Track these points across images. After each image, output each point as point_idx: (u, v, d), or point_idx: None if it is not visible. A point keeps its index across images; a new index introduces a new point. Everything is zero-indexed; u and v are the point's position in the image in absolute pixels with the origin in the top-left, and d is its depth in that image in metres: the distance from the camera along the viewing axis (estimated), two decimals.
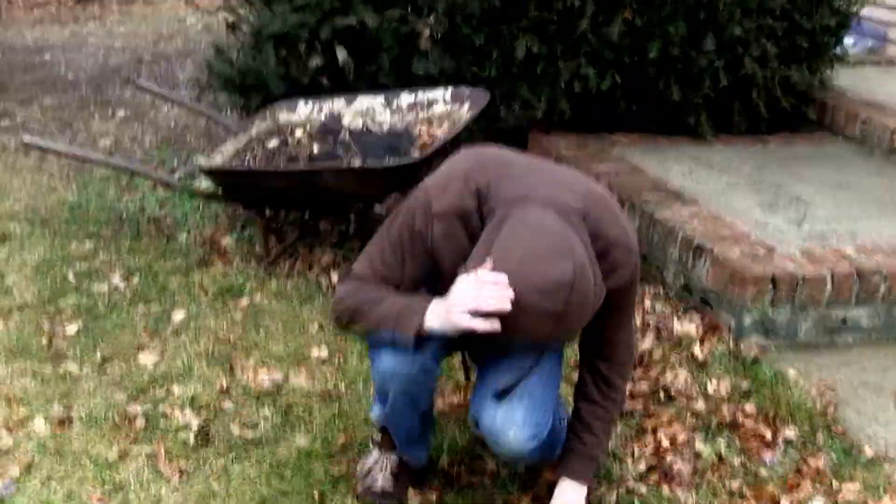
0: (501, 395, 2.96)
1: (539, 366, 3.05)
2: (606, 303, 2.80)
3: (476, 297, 2.58)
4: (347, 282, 2.95)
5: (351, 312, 2.89)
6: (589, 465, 3.18)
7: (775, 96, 6.24)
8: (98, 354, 4.15)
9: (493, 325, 2.58)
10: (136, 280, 4.82)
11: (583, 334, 3.07)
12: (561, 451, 3.19)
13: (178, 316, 4.49)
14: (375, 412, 3.28)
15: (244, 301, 4.65)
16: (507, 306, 2.54)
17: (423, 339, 2.78)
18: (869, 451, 3.59)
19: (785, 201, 5.21)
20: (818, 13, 6.15)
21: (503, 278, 2.55)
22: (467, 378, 3.74)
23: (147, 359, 4.14)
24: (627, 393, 3.77)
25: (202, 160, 4.94)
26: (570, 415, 3.22)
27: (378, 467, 3.31)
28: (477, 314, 2.59)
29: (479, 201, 2.80)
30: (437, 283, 2.84)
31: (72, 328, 4.38)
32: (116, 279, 4.81)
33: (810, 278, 4.32)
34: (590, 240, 2.73)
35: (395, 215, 2.90)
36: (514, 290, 2.52)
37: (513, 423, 2.95)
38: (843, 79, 6.99)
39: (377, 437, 3.34)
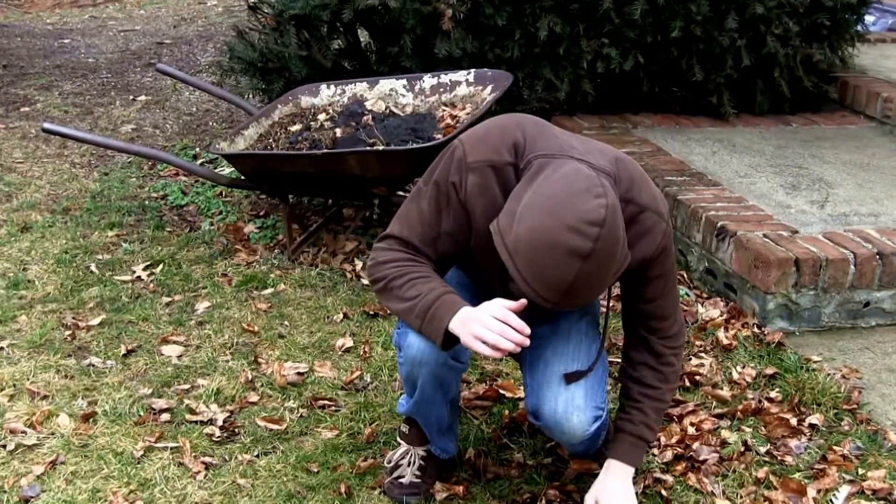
0: (569, 380, 2.97)
1: (590, 341, 3.09)
2: (643, 272, 2.87)
3: (500, 330, 2.64)
4: (384, 243, 2.91)
5: (381, 289, 2.87)
6: (639, 446, 3.12)
7: (797, 76, 6.22)
8: (122, 347, 4.15)
9: (496, 354, 2.66)
10: (159, 270, 4.83)
11: (627, 307, 3.07)
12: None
13: (202, 307, 4.50)
14: (403, 404, 3.28)
15: (268, 291, 4.66)
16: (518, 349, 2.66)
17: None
18: (894, 438, 3.59)
19: (807, 182, 5.20)
20: None
21: (525, 328, 2.64)
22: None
23: (171, 351, 4.14)
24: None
25: (225, 145, 4.94)
26: (620, 395, 3.19)
27: (406, 462, 3.30)
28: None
29: (515, 156, 2.80)
30: (470, 239, 2.86)
31: (95, 321, 4.37)
32: (139, 270, 4.82)
33: (833, 261, 4.31)
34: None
35: (430, 170, 2.89)
36: (545, 229, 2.52)
37: (575, 408, 2.97)
38: (865, 57, 6.97)
39: (405, 429, 3.34)
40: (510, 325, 2.65)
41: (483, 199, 2.80)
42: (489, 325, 2.65)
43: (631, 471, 3.12)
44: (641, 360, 3.10)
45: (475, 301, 2.77)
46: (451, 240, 2.87)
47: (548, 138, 2.83)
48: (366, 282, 4.71)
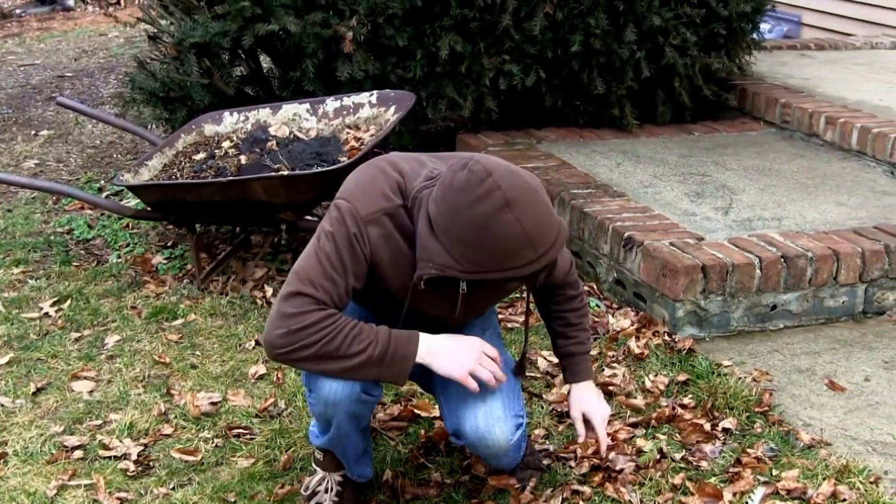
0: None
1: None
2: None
3: (493, 368, 2.89)
4: (292, 305, 2.75)
5: (312, 355, 2.74)
6: (589, 360, 3.41)
7: (697, 85, 6.31)
8: (31, 385, 4.08)
9: (475, 388, 2.88)
10: (67, 306, 4.77)
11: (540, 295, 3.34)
12: (559, 360, 3.45)
13: (112, 340, 4.45)
14: (316, 435, 3.25)
15: (178, 321, 4.62)
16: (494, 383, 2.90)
17: None
18: (805, 437, 3.64)
19: (711, 189, 5.27)
20: (734, 0, 6.21)
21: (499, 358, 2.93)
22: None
23: (82, 387, 4.09)
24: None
25: (129, 177, 4.89)
26: (555, 330, 3.40)
27: (323, 488, 3.30)
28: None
29: (402, 197, 2.82)
30: (375, 290, 2.87)
31: (3, 359, 4.31)
32: (47, 306, 4.75)
33: (739, 266, 4.38)
34: None
35: (318, 235, 2.85)
36: (469, 228, 2.60)
37: (496, 420, 3.00)
38: (762, 64, 7.10)
39: (319, 455, 3.33)
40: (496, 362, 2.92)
41: (388, 247, 2.82)
42: (483, 363, 2.89)
43: (592, 381, 3.41)
44: (564, 307, 3.36)
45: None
46: (352, 292, 2.84)
47: (418, 168, 2.88)
48: None
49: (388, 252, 2.82)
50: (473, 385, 2.86)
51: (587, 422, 3.34)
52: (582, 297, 3.39)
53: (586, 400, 3.36)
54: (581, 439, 3.37)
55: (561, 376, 3.87)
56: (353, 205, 2.80)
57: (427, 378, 3.10)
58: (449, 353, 2.85)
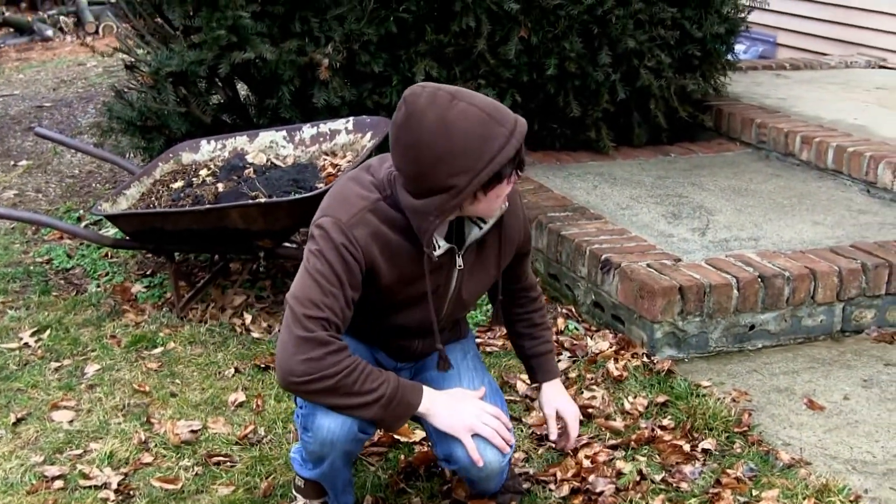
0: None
1: (480, 376, 3.25)
2: (523, 247, 3.24)
3: (497, 427, 2.95)
4: (303, 330, 2.76)
5: (326, 388, 2.75)
6: (554, 359, 3.51)
7: (672, 106, 6.35)
8: (11, 416, 4.07)
9: (472, 448, 2.93)
10: (46, 336, 4.76)
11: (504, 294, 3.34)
12: (525, 362, 3.53)
13: (92, 370, 4.44)
14: (305, 469, 3.26)
15: (158, 350, 4.61)
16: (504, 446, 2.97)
17: None
18: (785, 457, 3.66)
19: (688, 211, 5.29)
20: (708, 21, 6.26)
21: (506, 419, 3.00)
22: None
23: (62, 416, 4.07)
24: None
25: (107, 206, 4.89)
26: (520, 334, 3.50)
27: None
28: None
29: (380, 189, 2.87)
30: (370, 294, 2.91)
31: None
32: (26, 336, 4.73)
33: (717, 287, 4.39)
34: None
35: (306, 257, 2.86)
36: (424, 150, 2.66)
37: (486, 444, 2.99)
38: (737, 85, 7.15)
39: (300, 482, 3.33)
40: (502, 422, 2.98)
41: (378, 243, 2.84)
42: (486, 421, 2.95)
43: (559, 380, 3.50)
44: (527, 308, 3.46)
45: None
46: (353, 302, 2.86)
47: (382, 161, 2.95)
48: (256, 335, 4.69)
49: (379, 248, 2.84)
50: (472, 445, 2.91)
51: (559, 419, 3.40)
52: (541, 299, 3.49)
53: (559, 398, 3.43)
54: (553, 436, 3.41)
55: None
56: (334, 216, 2.82)
57: None
58: (450, 411, 2.92)
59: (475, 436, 2.95)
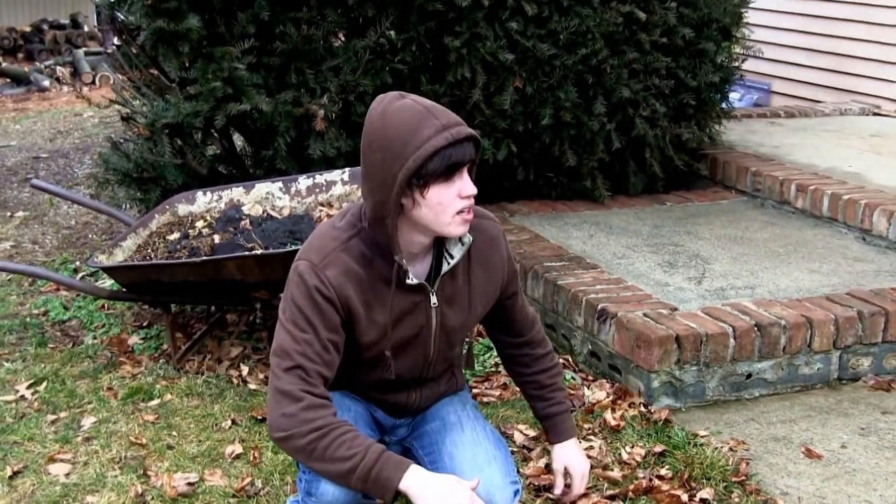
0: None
1: (482, 424, 3.20)
2: (509, 285, 3.17)
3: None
4: (283, 382, 2.76)
5: (301, 449, 2.73)
6: (569, 418, 3.41)
7: (668, 155, 6.37)
8: (7, 469, 4.05)
9: None
10: (43, 388, 4.74)
11: (501, 341, 3.38)
12: (539, 421, 3.46)
13: (88, 422, 4.42)
14: None
15: (155, 402, 4.59)
16: None
17: None
18: None
19: (684, 259, 5.30)
20: (702, 70, 6.30)
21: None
22: None
23: (59, 469, 4.05)
24: (544, 467, 3.83)
25: (103, 258, 4.90)
26: (530, 390, 3.42)
27: None
28: None
29: (354, 226, 2.88)
30: (358, 340, 2.90)
31: None
32: (22, 389, 4.72)
33: (713, 335, 4.40)
34: None
35: (282, 307, 2.86)
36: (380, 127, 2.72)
37: (497, 489, 2.99)
38: (732, 133, 7.18)
39: None
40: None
41: (351, 280, 2.83)
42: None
43: (575, 439, 3.41)
44: (533, 368, 3.37)
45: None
46: (333, 345, 2.84)
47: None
48: (253, 386, 4.69)
49: (353, 285, 2.83)
50: None
51: (567, 475, 3.38)
52: (552, 356, 3.40)
53: (570, 456, 3.39)
54: (558, 491, 3.40)
55: (537, 449, 3.89)
56: (307, 259, 2.83)
57: (424, 452, 3.16)
58: (436, 493, 2.74)
59: (481, 476, 2.94)
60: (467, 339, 3.30)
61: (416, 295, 2.93)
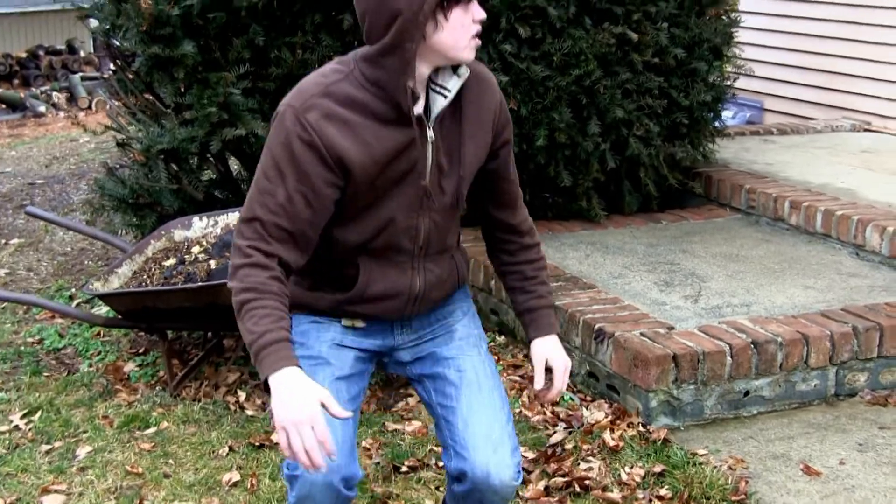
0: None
1: (498, 386, 3.14)
2: (501, 133, 3.08)
3: (310, 447, 2.60)
4: (242, 238, 2.75)
5: (237, 308, 2.71)
6: (551, 314, 3.25)
7: (662, 174, 6.38)
8: (1, 501, 4.03)
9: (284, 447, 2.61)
10: (37, 418, 4.72)
11: (482, 189, 3.16)
12: (518, 317, 3.29)
13: (84, 452, 4.39)
14: None
15: (151, 430, 4.58)
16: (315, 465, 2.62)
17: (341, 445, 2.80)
18: None
19: (680, 278, 5.30)
20: (694, 89, 6.30)
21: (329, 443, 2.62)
22: None
23: (53, 501, 4.03)
24: (543, 489, 3.82)
25: (99, 285, 4.90)
26: (511, 281, 3.26)
27: None
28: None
29: (340, 72, 2.83)
30: (349, 185, 2.83)
31: None
32: (16, 419, 4.69)
33: (710, 354, 4.40)
34: None
35: (265, 147, 2.84)
36: None
37: (505, 467, 2.97)
38: (726, 151, 7.18)
39: None
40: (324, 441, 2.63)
41: (333, 122, 2.78)
42: (302, 433, 2.60)
43: (556, 336, 3.23)
44: (518, 258, 3.25)
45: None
46: (301, 196, 2.77)
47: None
48: (250, 412, 4.68)
49: (336, 127, 2.78)
50: (284, 444, 2.63)
51: (548, 370, 3.21)
52: (539, 249, 3.30)
53: (550, 350, 3.22)
54: (538, 385, 3.19)
55: (536, 472, 3.88)
56: (289, 102, 2.81)
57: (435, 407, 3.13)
58: (283, 400, 2.62)
59: (493, 455, 2.95)
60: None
61: (413, 129, 2.85)
